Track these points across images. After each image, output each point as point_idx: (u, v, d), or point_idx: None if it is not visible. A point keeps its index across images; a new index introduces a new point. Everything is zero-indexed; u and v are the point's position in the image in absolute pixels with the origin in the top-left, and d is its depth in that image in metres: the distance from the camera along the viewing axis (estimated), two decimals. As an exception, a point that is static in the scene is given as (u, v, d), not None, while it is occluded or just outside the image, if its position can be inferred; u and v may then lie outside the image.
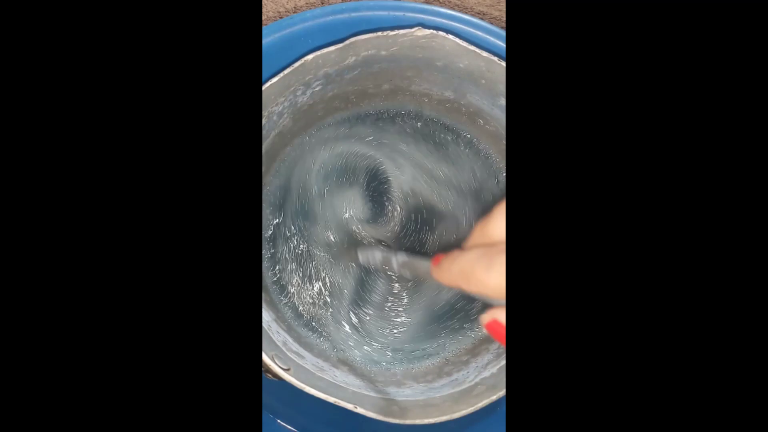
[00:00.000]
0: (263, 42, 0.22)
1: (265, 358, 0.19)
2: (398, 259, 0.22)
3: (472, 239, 0.17)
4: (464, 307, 0.26)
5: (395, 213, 0.26)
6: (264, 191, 0.26)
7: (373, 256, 0.23)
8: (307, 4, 0.25)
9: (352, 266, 0.25)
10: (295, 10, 0.25)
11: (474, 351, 0.25)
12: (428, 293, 0.26)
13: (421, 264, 0.21)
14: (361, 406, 0.20)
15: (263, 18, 0.26)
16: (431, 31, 0.22)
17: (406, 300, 0.25)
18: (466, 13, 0.23)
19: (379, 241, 0.25)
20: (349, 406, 0.20)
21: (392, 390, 0.24)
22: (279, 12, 0.25)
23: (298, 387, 0.20)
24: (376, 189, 0.26)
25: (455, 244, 0.25)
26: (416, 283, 0.26)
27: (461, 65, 0.23)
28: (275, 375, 0.19)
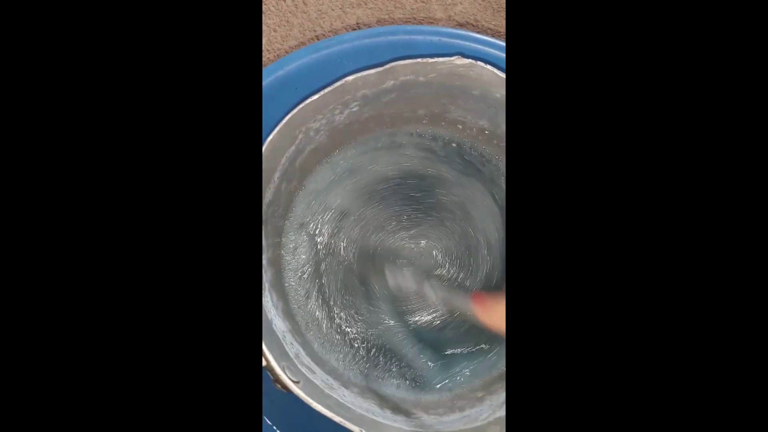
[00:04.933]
0: (301, 62, 0.23)
1: (276, 368, 0.19)
2: (434, 291, 0.22)
3: None
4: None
5: (426, 243, 0.25)
6: (295, 203, 0.26)
7: (405, 281, 0.23)
8: (344, 26, 0.26)
9: (373, 284, 0.25)
10: (332, 32, 0.27)
11: (489, 388, 0.24)
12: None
13: (459, 300, 0.21)
14: (367, 431, 0.20)
15: (300, 40, 0.27)
16: (470, 60, 0.22)
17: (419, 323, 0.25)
18: (501, 39, 0.23)
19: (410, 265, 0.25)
20: (355, 429, 0.20)
21: (401, 418, 0.23)
22: (316, 33, 0.27)
23: (306, 402, 0.19)
24: (408, 210, 0.26)
25: (496, 283, 0.24)
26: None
27: (498, 95, 0.23)
28: (284, 386, 0.19)
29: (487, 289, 0.22)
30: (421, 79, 0.23)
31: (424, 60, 0.22)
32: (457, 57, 0.22)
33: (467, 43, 0.23)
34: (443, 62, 0.23)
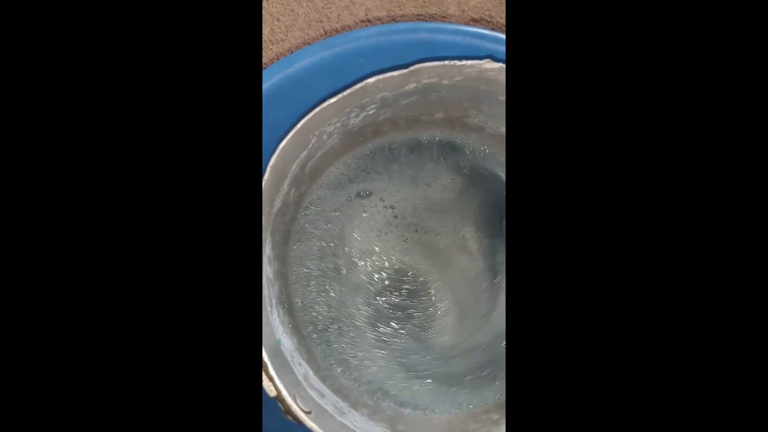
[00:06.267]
0: (313, 59, 0.21)
1: (287, 398, 0.18)
2: None
3: None
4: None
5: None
6: (303, 210, 0.25)
7: None
8: (352, 17, 0.25)
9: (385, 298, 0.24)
10: (340, 23, 0.25)
11: (504, 410, 0.23)
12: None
13: None
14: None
15: (306, 31, 0.25)
16: (500, 65, 0.21)
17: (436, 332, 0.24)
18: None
19: None
20: (370, 462, 0.18)
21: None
22: (322, 25, 0.25)
23: (318, 434, 0.18)
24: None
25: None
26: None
27: (527, 103, 0.22)
28: (295, 418, 0.18)
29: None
30: (445, 82, 0.22)
31: (452, 63, 0.21)
32: (487, 60, 0.21)
33: (496, 46, 0.21)
34: (471, 65, 0.21)
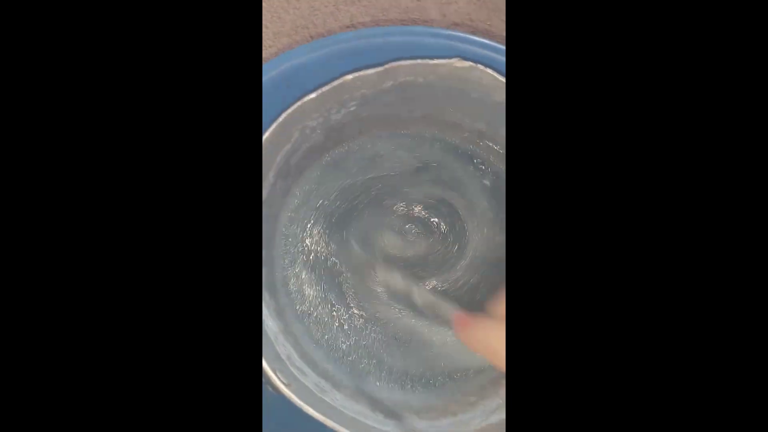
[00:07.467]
0: (296, 61, 0.23)
1: (267, 368, 0.19)
2: (420, 295, 0.22)
3: (497, 302, 0.17)
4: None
5: (421, 236, 0.25)
6: (289, 201, 0.26)
7: (393, 279, 0.23)
8: (337, 23, 0.26)
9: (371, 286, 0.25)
10: (326, 29, 0.26)
11: (482, 392, 0.24)
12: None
13: (445, 309, 0.21)
14: (359, 435, 0.19)
15: (293, 37, 0.26)
16: (470, 63, 0.22)
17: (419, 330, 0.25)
18: (501, 42, 0.23)
19: (402, 263, 0.25)
20: (347, 433, 0.19)
21: (392, 422, 0.23)
22: (309, 31, 0.26)
23: (297, 405, 0.19)
24: (405, 212, 0.26)
25: (478, 302, 0.24)
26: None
27: (497, 99, 0.23)
28: (275, 388, 0.19)
29: (472, 308, 0.22)
30: (420, 80, 0.23)
31: (424, 61, 0.22)
32: (456, 59, 0.22)
33: (467, 46, 0.23)
34: (443, 64, 0.22)
